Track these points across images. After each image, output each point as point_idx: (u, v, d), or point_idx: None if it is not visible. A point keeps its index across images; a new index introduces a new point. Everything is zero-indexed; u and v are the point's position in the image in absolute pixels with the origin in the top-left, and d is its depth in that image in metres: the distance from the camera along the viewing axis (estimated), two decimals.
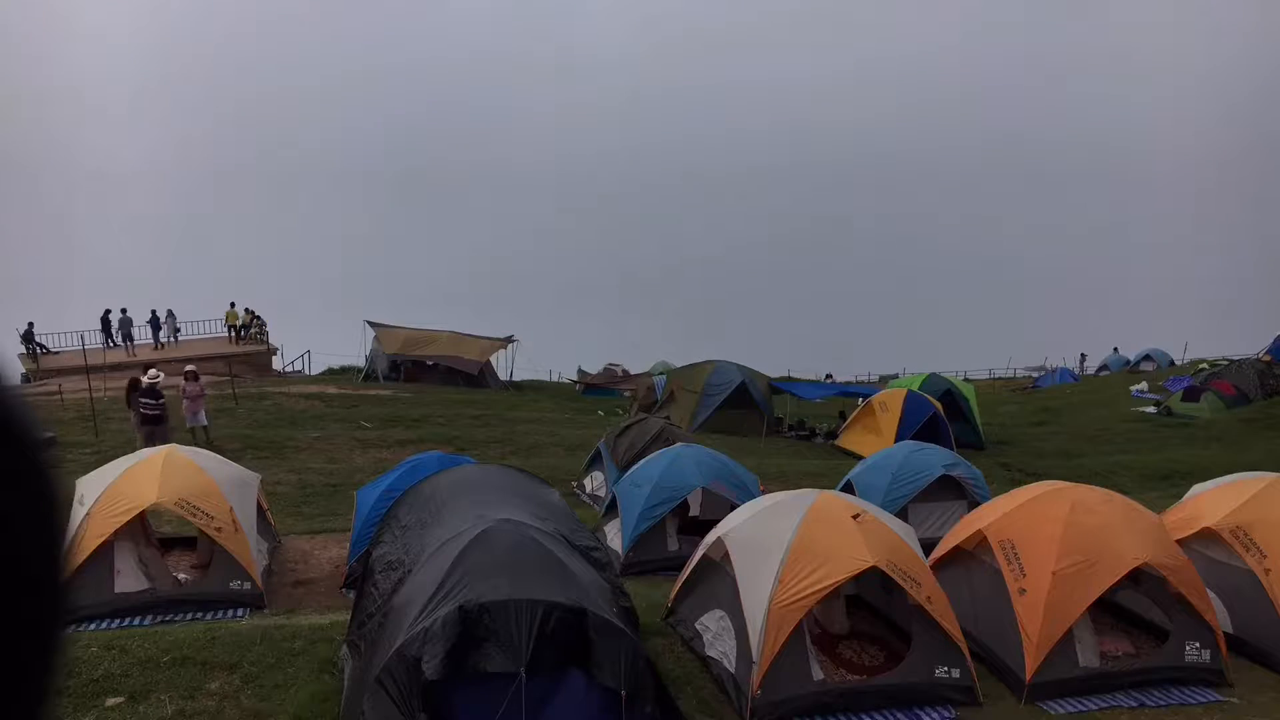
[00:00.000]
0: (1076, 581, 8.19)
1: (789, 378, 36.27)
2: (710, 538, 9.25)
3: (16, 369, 28.78)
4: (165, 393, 17.91)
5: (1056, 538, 8.43)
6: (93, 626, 9.47)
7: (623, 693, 5.95)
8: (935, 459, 13.32)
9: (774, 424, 27.05)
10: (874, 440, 21.49)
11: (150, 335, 37.69)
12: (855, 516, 8.45)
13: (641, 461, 13.74)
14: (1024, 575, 8.41)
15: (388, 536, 8.08)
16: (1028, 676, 8.03)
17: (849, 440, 24.11)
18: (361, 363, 36.34)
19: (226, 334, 39.93)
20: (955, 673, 8.04)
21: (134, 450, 12.57)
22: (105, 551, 9.87)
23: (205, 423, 19.44)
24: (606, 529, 13.11)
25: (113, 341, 36.84)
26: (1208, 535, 9.59)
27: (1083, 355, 54.41)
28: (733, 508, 10.43)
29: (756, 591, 7.96)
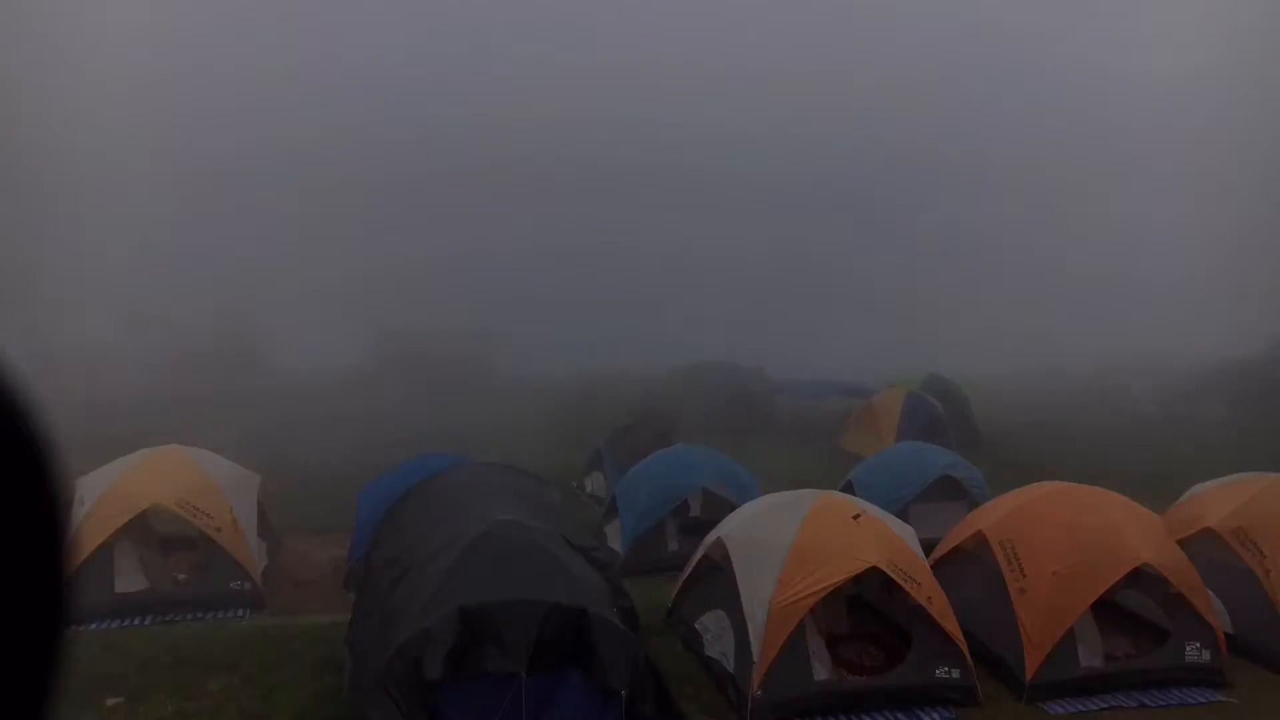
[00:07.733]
0: (1077, 582, 8.19)
1: (789, 378, 36.20)
2: (710, 538, 9.25)
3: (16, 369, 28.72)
4: None
5: (1057, 538, 8.44)
6: (93, 626, 9.47)
7: (623, 693, 5.95)
8: (935, 459, 13.31)
9: (774, 425, 27.06)
10: (874, 441, 21.46)
11: None
12: (856, 517, 8.45)
13: (642, 461, 13.73)
14: (1024, 575, 8.41)
15: (388, 537, 8.07)
16: (1028, 677, 8.03)
17: (849, 441, 24.08)
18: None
19: None
20: (955, 673, 8.04)
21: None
22: (105, 551, 9.88)
23: None
24: (606, 529, 13.09)
25: None
26: (1208, 535, 9.59)
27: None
28: (733, 508, 10.42)
29: (757, 592, 7.96)
